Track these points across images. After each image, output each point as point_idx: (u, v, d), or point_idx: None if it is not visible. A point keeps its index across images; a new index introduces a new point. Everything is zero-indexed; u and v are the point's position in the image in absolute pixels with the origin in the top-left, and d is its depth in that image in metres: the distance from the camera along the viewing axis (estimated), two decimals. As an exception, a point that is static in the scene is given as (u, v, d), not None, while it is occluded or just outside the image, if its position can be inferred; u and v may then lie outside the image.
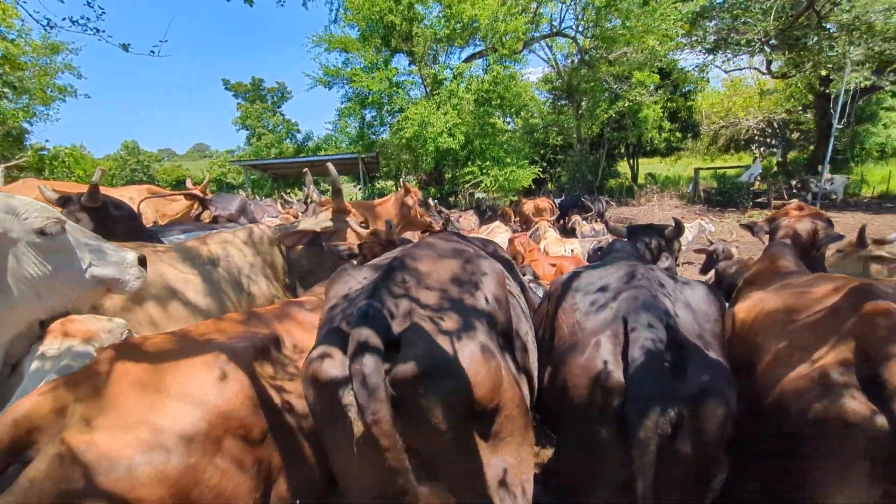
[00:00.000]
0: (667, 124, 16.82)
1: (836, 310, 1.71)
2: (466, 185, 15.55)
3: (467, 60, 16.91)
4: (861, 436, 1.43)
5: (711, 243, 7.49)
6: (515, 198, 14.16)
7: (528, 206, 12.15)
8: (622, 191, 20.78)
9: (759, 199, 19.21)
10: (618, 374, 1.71)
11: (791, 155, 23.83)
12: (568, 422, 1.96)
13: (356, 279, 1.88)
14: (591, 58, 15.69)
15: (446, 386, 1.47)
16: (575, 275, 2.34)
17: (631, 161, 24.02)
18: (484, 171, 14.06)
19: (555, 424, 2.21)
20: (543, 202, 12.17)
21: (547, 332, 2.23)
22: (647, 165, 28.91)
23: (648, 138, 17.45)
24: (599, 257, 3.30)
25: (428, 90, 16.63)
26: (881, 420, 1.40)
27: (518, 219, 12.12)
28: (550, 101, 20.58)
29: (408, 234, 5.64)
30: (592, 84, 15.04)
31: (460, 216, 12.21)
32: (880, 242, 4.80)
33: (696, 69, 20.14)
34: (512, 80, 15.11)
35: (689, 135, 24.72)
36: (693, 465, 1.68)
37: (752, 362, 1.90)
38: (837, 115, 15.12)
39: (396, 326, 1.55)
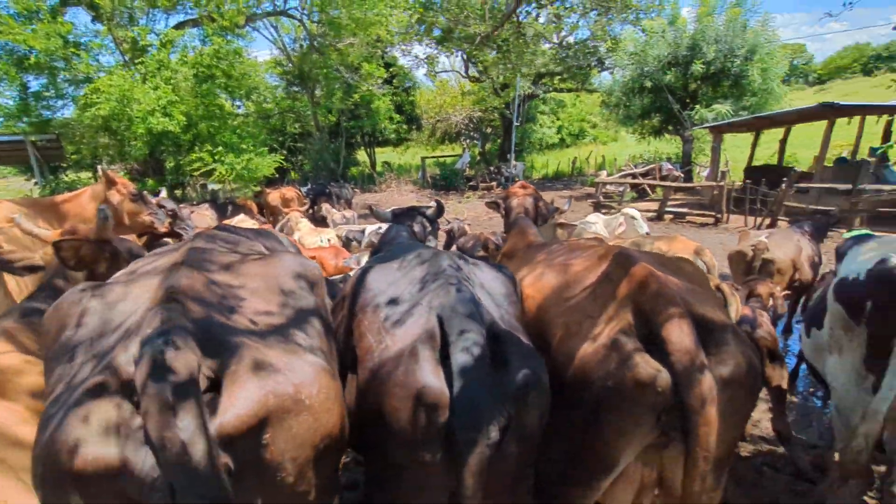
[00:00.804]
0: (396, 116, 17.91)
1: (608, 277, 1.82)
2: (196, 175, 13.06)
3: (178, 27, 13.98)
4: (650, 392, 1.53)
5: (448, 222, 8.26)
6: (258, 188, 12.68)
7: (274, 196, 11.04)
8: (363, 178, 21.34)
9: (471, 183, 22.70)
10: (442, 387, 1.42)
11: (488, 146, 28.97)
12: (382, 449, 1.60)
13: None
14: (320, 44, 15.18)
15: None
16: (369, 269, 1.95)
17: (368, 150, 24.87)
18: (217, 158, 12.00)
19: (365, 453, 1.82)
20: (290, 192, 11.26)
21: (348, 344, 1.80)
22: (381, 154, 30.54)
23: (382, 128, 18.25)
24: (379, 245, 2.99)
25: (126, 58, 13.08)
26: (665, 375, 1.52)
27: (266, 211, 10.89)
28: (284, 86, 19.22)
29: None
30: (325, 71, 14.59)
31: (192, 212, 10.15)
32: (560, 211, 6.08)
33: (425, 61, 21.96)
34: (237, 56, 13.24)
35: (414, 127, 27.16)
36: (518, 462, 1.55)
37: (546, 338, 1.90)
38: (515, 115, 19.05)
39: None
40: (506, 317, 1.78)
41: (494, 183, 22.12)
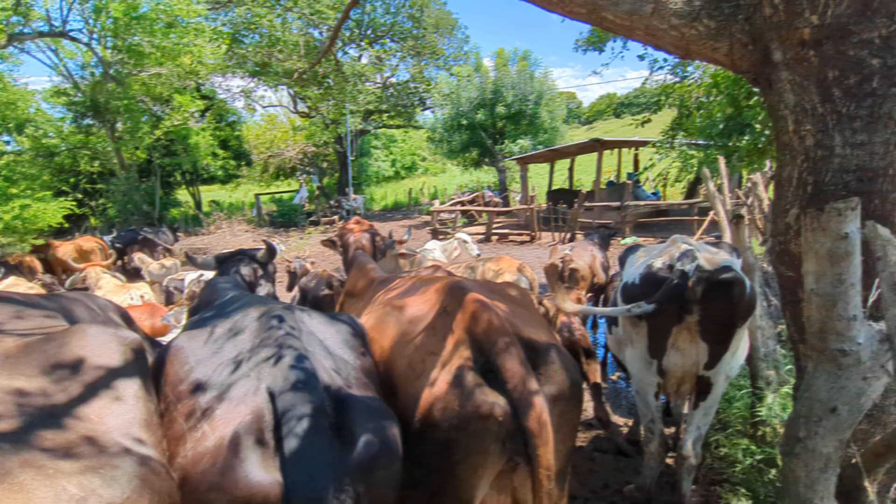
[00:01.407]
0: (221, 152, 16.15)
1: (444, 310, 1.81)
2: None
3: None
4: (493, 422, 1.54)
5: (289, 262, 7.68)
6: (40, 241, 9.99)
7: (65, 250, 8.85)
8: (187, 220, 18.68)
9: (312, 218, 21.76)
10: (272, 482, 1.18)
11: (326, 180, 28.27)
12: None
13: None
14: (117, 73, 12.91)
15: None
16: (182, 337, 1.59)
17: (191, 189, 21.94)
18: (-31, 208, 9.07)
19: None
20: (89, 242, 9.18)
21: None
22: (208, 193, 27.25)
23: (204, 165, 16.26)
24: (199, 303, 2.51)
25: None
26: (503, 404, 1.54)
27: (56, 268, 8.62)
28: (71, 118, 15.73)
29: None
30: (126, 102, 12.34)
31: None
32: (400, 242, 6.17)
33: (241, 94, 20.38)
34: (-2, 83, 10.40)
35: (243, 163, 24.99)
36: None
37: (393, 381, 1.79)
38: (349, 150, 19.06)
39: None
40: (353, 375, 1.61)
41: (336, 217, 21.60)
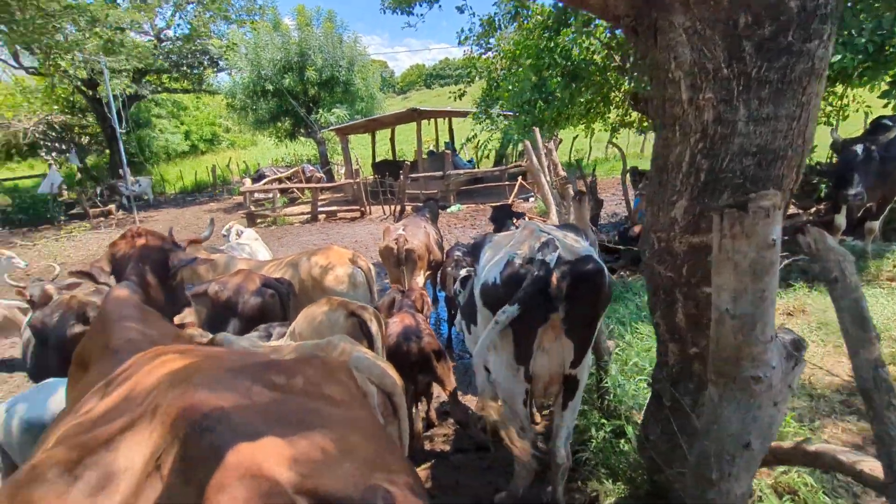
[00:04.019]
0: None
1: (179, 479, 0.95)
2: None
3: None
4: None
5: (22, 287, 5.32)
6: None
7: None
8: None
9: (74, 210, 16.67)
10: None
11: (90, 160, 21.93)
12: None
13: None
14: None
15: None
16: None
17: None
18: None
19: None
20: None
21: None
22: None
23: None
24: None
25: None
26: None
27: None
28: None
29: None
30: None
31: None
32: (195, 242, 4.72)
33: None
34: None
35: (-62, 139, 17.55)
36: None
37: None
38: (115, 120, 14.82)
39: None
40: None
41: (112, 206, 16.95)
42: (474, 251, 2.67)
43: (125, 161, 16.11)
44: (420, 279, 5.88)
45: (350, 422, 0.76)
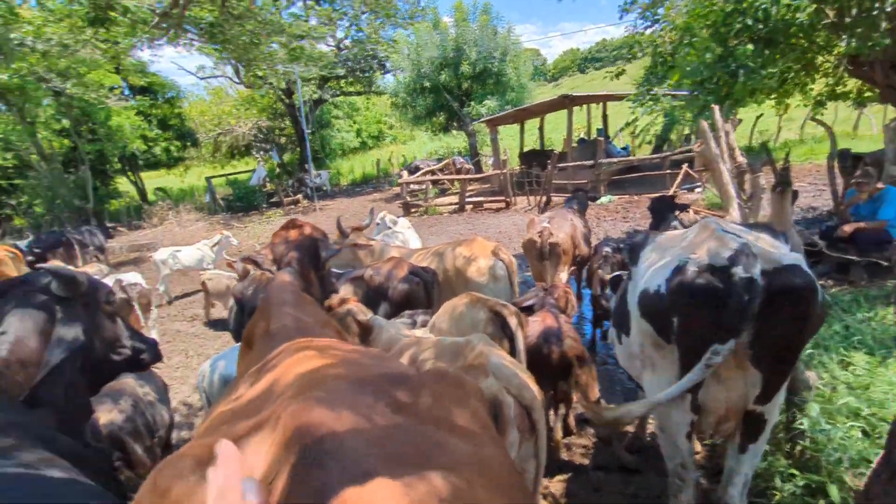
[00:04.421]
0: (152, 132, 14.29)
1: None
2: None
3: None
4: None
5: (233, 262, 6.62)
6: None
7: (-36, 262, 7.52)
8: (130, 212, 16.97)
9: (273, 199, 20.27)
10: None
11: (286, 157, 26.43)
12: None
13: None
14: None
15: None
16: None
17: (133, 177, 19.99)
18: None
19: None
20: (-3, 251, 7.82)
21: None
22: (155, 180, 25.10)
23: (134, 149, 14.35)
24: None
25: None
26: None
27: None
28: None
29: None
30: (11, 76, 10.14)
31: None
32: (358, 229, 5.18)
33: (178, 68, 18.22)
34: None
35: (188, 143, 22.99)
36: None
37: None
38: (304, 122, 17.50)
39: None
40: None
41: (300, 196, 20.18)
42: (632, 252, 2.32)
43: (310, 157, 18.95)
44: (564, 275, 5.54)
45: (480, 463, 0.64)
